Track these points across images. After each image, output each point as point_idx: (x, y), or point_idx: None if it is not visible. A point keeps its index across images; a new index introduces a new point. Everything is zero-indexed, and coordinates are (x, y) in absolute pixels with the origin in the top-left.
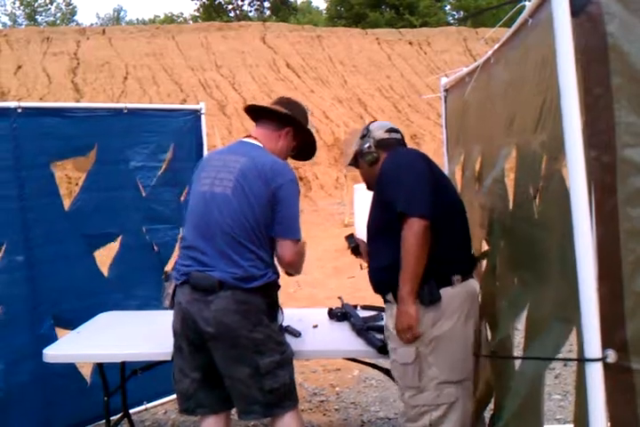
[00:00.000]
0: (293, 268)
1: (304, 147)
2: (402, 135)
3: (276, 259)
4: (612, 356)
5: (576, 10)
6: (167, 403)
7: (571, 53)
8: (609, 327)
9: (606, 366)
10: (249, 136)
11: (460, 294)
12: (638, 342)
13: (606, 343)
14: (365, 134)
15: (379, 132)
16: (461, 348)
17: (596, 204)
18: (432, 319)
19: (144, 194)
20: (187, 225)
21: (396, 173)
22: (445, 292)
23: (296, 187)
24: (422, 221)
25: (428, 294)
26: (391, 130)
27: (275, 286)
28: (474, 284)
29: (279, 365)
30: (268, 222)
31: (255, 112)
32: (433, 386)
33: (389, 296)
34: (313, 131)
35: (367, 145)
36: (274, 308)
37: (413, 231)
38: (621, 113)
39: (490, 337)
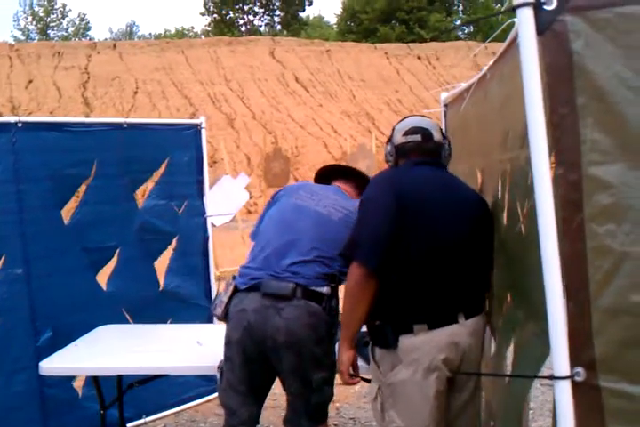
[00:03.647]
0: None
1: None
2: (425, 134)
3: None
4: (581, 374)
5: (542, 28)
6: (166, 417)
7: (536, 71)
8: (577, 345)
9: (575, 385)
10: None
11: (423, 345)
12: (606, 361)
13: (575, 361)
14: (390, 137)
15: (397, 136)
16: (420, 399)
17: (563, 221)
18: (390, 364)
19: (140, 206)
20: (266, 231)
21: (359, 206)
22: (405, 339)
23: None
24: (362, 268)
25: (381, 339)
26: (409, 131)
27: (336, 310)
28: (449, 332)
29: (326, 381)
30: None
31: (330, 173)
32: None
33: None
34: None
35: (386, 151)
36: (334, 329)
37: (352, 277)
38: (586, 131)
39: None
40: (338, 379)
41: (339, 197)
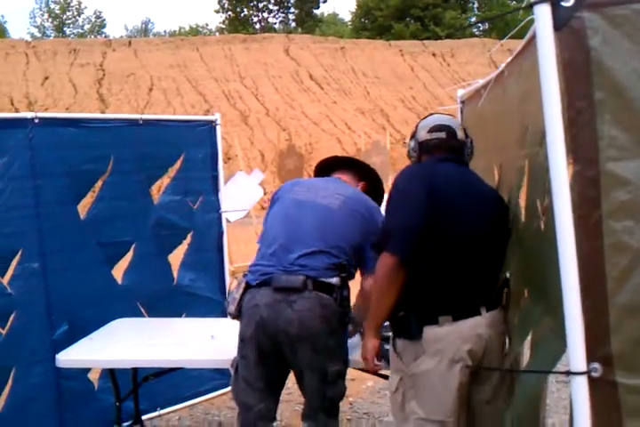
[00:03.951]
0: None
1: None
2: (449, 132)
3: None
4: (598, 370)
5: (559, 24)
6: (181, 410)
7: (553, 67)
8: (594, 341)
9: (592, 380)
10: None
11: (446, 336)
12: (623, 357)
13: (592, 357)
14: (413, 134)
15: (421, 133)
16: (443, 390)
17: (580, 218)
18: (414, 354)
19: (155, 202)
20: (271, 228)
21: (390, 198)
22: (430, 330)
23: None
24: (393, 258)
25: (405, 329)
26: (434, 128)
27: (348, 300)
28: (473, 324)
29: (340, 375)
30: (357, 251)
31: (330, 165)
32: (413, 420)
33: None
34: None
35: (409, 147)
36: (345, 320)
37: (382, 267)
38: (604, 127)
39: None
40: (349, 374)
41: (337, 185)
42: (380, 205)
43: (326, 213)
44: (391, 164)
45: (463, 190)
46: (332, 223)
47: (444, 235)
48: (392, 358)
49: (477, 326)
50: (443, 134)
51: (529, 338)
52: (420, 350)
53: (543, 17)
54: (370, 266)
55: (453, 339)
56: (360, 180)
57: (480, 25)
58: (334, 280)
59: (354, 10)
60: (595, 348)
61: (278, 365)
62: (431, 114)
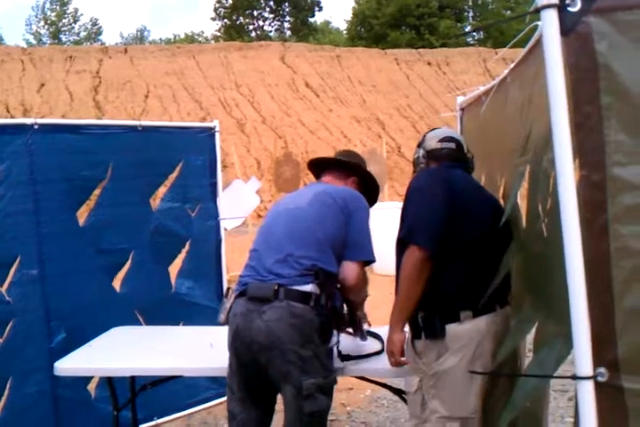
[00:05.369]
0: (355, 292)
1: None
2: (458, 143)
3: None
4: (604, 374)
5: (566, 29)
6: (178, 419)
7: (560, 72)
8: (600, 345)
9: (598, 385)
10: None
11: (468, 332)
12: (630, 361)
13: (598, 362)
14: (420, 143)
15: (430, 142)
16: (465, 386)
17: (586, 222)
18: (436, 353)
19: (154, 209)
20: (254, 241)
21: (412, 196)
22: (451, 328)
23: (368, 213)
24: (421, 252)
25: (429, 329)
26: (445, 139)
27: (329, 306)
28: (490, 320)
29: (320, 388)
30: (337, 241)
31: (319, 166)
32: (434, 419)
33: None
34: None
35: (417, 155)
36: (326, 330)
37: (410, 260)
38: (611, 132)
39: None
40: (347, 384)
41: (314, 187)
42: (376, 196)
43: (294, 213)
44: (389, 173)
45: (474, 194)
46: (299, 221)
47: (464, 231)
48: (410, 359)
49: (494, 321)
50: (453, 145)
51: (530, 342)
52: (442, 349)
53: (550, 22)
54: (349, 253)
55: (475, 335)
56: (349, 175)
57: (475, 34)
58: (309, 287)
59: (349, 18)
60: (601, 352)
61: (259, 375)
62: (436, 128)
